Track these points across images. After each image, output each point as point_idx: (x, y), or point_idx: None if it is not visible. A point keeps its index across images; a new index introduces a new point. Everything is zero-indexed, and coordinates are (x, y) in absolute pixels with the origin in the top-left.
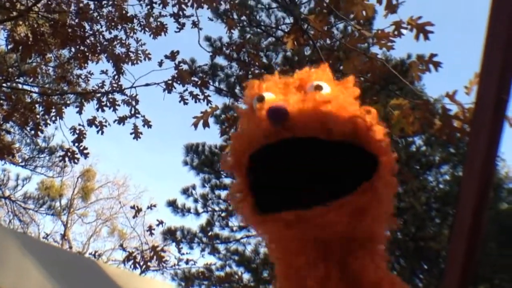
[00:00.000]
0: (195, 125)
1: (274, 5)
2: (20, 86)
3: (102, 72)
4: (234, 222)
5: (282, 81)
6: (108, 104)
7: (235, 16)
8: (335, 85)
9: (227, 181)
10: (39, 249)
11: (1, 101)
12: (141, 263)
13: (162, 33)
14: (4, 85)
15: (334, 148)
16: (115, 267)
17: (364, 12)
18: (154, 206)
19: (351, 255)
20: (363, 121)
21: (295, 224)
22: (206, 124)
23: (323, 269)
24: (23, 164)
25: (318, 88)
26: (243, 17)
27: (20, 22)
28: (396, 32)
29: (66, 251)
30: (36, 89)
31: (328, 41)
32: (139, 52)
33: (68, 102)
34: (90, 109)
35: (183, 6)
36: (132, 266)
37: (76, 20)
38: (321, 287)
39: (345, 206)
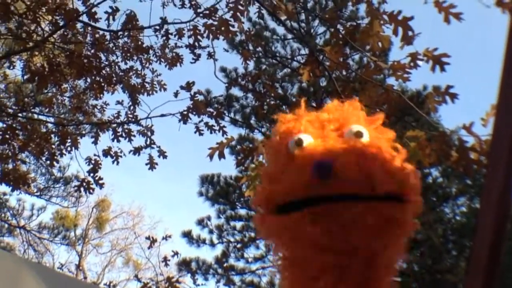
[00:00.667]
0: (211, 156)
1: (289, 36)
2: (35, 116)
3: (118, 102)
4: (249, 253)
5: (317, 119)
6: (123, 134)
7: (251, 47)
8: (368, 124)
9: (242, 212)
10: (54, 279)
11: (17, 131)
12: None
13: (178, 64)
14: (20, 115)
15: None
16: None
17: (380, 44)
18: (169, 237)
19: (371, 281)
20: (408, 179)
21: (320, 219)
22: (221, 155)
23: None
24: (38, 194)
25: (359, 135)
26: (259, 48)
27: (36, 53)
28: (412, 64)
29: (81, 281)
30: (52, 119)
31: (344, 72)
32: (155, 82)
33: (83, 132)
34: (105, 139)
35: (198, 37)
36: None
37: (92, 51)
38: None
39: (376, 209)
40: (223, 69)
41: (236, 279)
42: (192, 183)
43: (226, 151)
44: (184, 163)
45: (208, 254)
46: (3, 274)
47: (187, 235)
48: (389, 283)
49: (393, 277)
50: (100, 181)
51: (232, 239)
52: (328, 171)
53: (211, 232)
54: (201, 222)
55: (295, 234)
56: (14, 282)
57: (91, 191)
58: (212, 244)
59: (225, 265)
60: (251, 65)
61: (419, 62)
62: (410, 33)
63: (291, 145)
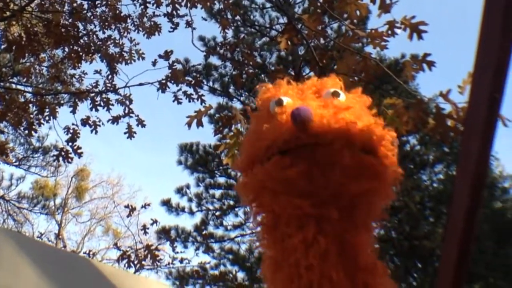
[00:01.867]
0: (189, 124)
1: (268, 5)
2: (13, 86)
3: (96, 72)
4: (228, 221)
5: (297, 87)
6: (101, 103)
7: (229, 16)
8: (345, 91)
9: (221, 180)
10: (33, 248)
11: None
12: (135, 262)
13: (156, 33)
14: None
15: None
16: (110, 266)
17: (358, 12)
18: (148, 205)
19: (349, 233)
20: (379, 134)
21: (301, 160)
22: (199, 124)
23: (323, 244)
24: (17, 164)
25: (335, 94)
26: (237, 17)
27: (14, 22)
28: (389, 32)
29: (60, 250)
30: (30, 89)
31: (322, 41)
32: (133, 52)
33: (62, 102)
34: (84, 108)
35: (176, 5)
36: (126, 265)
37: (70, 20)
38: (322, 263)
39: (354, 150)
40: (201, 38)
41: (215, 246)
42: (170, 153)
43: (205, 119)
44: (162, 133)
45: (187, 222)
46: None
47: (166, 203)
48: (368, 241)
49: (371, 235)
50: (79, 151)
51: (211, 207)
52: (308, 118)
53: (190, 200)
54: (180, 191)
55: (276, 180)
56: None
57: (69, 160)
58: (191, 212)
59: (204, 233)
60: (229, 34)
61: (397, 30)
62: (387, 0)
63: (271, 106)
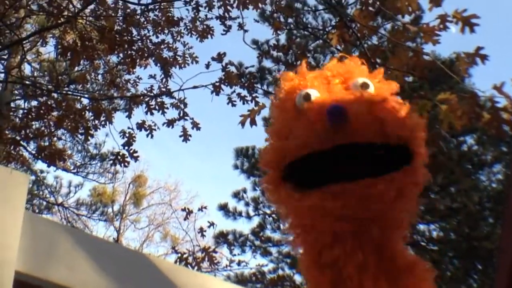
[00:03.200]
0: (242, 123)
1: (320, 7)
2: (70, 93)
3: (151, 76)
4: (285, 225)
5: (321, 75)
6: (156, 107)
7: (282, 19)
8: (371, 77)
9: None
10: (90, 243)
11: (52, 108)
12: (193, 265)
13: (209, 36)
14: (54, 92)
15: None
16: (167, 261)
17: (409, 8)
18: (205, 208)
19: (386, 240)
20: (417, 126)
21: (340, 196)
22: (253, 122)
23: (361, 257)
24: (75, 171)
25: (365, 86)
26: (290, 20)
27: (68, 29)
28: (441, 26)
29: (118, 245)
30: (86, 95)
31: (374, 40)
32: (187, 55)
33: (117, 107)
34: (139, 113)
35: (228, 7)
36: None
37: (123, 26)
38: (360, 276)
39: (393, 181)
40: (254, 42)
41: (273, 250)
42: (224, 158)
43: (260, 123)
44: (216, 138)
45: (244, 227)
46: (40, 237)
47: (223, 208)
48: (403, 240)
49: (405, 233)
50: (135, 154)
51: (268, 211)
52: (343, 115)
53: (247, 204)
54: (237, 195)
55: (313, 209)
56: (51, 246)
57: (126, 164)
58: (249, 217)
59: (261, 236)
60: (282, 37)
61: (449, 24)
62: None
63: (298, 100)
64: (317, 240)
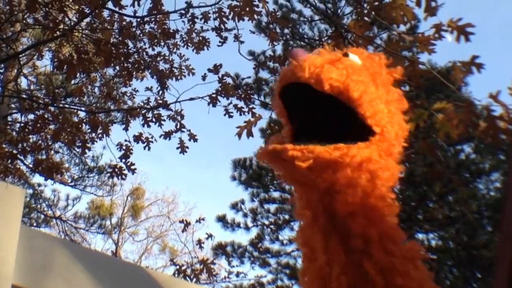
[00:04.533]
0: (239, 134)
1: (316, 17)
2: (66, 106)
3: (147, 88)
4: (284, 235)
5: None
6: (153, 119)
7: (278, 30)
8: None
9: (275, 194)
10: (87, 257)
11: (48, 121)
12: (192, 277)
13: (205, 48)
14: (51, 105)
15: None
16: (168, 275)
17: (405, 18)
18: (203, 219)
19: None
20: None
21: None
22: (249, 134)
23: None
24: (72, 184)
25: (346, 55)
26: (286, 30)
27: (64, 43)
28: (437, 35)
29: (115, 258)
30: (83, 109)
31: (370, 50)
32: (183, 67)
33: (114, 119)
34: (136, 125)
35: (224, 19)
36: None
37: (119, 38)
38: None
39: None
40: (251, 53)
41: (272, 261)
42: (223, 169)
43: (257, 134)
44: (212, 150)
45: (243, 238)
46: (36, 251)
47: (221, 219)
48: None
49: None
50: (132, 167)
51: (266, 222)
52: (300, 56)
53: (245, 215)
54: (235, 206)
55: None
56: (47, 260)
57: (123, 176)
58: (247, 228)
59: (260, 248)
60: (278, 47)
61: (444, 34)
62: (433, 3)
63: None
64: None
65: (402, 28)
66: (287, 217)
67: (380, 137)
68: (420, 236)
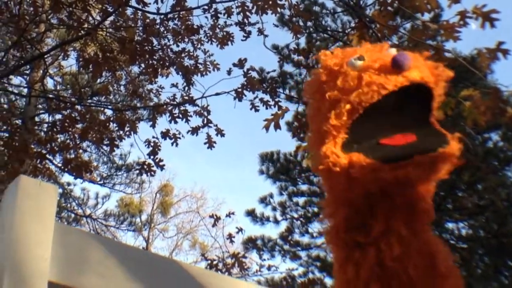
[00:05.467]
0: (266, 127)
1: (339, 9)
2: (93, 104)
3: (173, 85)
4: (313, 228)
5: (359, 49)
6: (180, 115)
7: (301, 23)
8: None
9: (304, 187)
10: (121, 251)
11: (76, 120)
12: (223, 271)
13: (229, 43)
14: (78, 105)
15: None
16: (200, 268)
17: (429, 6)
18: (233, 213)
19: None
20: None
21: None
22: (277, 126)
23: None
24: (101, 182)
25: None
26: (309, 23)
27: (89, 42)
28: (461, 22)
29: (149, 252)
30: (109, 106)
31: (394, 39)
32: (208, 63)
33: (141, 117)
34: (163, 122)
35: (247, 13)
36: None
37: (144, 36)
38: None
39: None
40: (275, 47)
41: (302, 254)
42: (249, 164)
43: (284, 127)
44: (240, 146)
45: (272, 232)
46: (70, 247)
47: (250, 213)
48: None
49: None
50: (161, 163)
51: (295, 215)
52: (408, 60)
53: (274, 209)
54: (263, 200)
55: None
56: (82, 255)
57: (152, 173)
58: (276, 221)
59: (290, 241)
60: (302, 40)
61: (470, 21)
62: None
63: (352, 63)
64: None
65: (426, 16)
66: (315, 209)
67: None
68: (450, 225)
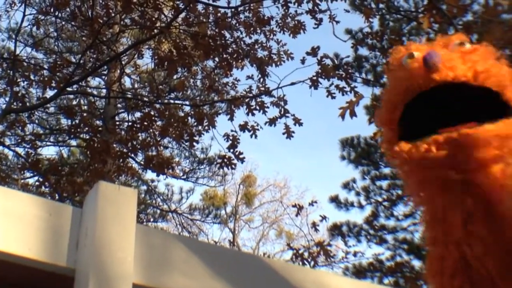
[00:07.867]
0: (342, 115)
1: None
2: (171, 101)
3: (248, 77)
4: (398, 211)
5: (426, 44)
6: (257, 107)
7: (373, 5)
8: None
9: (386, 170)
10: (205, 250)
11: (155, 118)
12: (309, 259)
13: (301, 31)
14: (156, 103)
15: (480, 93)
16: (282, 261)
17: None
18: (315, 202)
19: (493, 191)
20: (506, 78)
21: (444, 146)
22: (352, 114)
23: (471, 204)
24: (184, 177)
25: (461, 44)
26: (381, 5)
27: (163, 39)
28: None
29: (231, 249)
30: (187, 103)
31: (466, 18)
32: (281, 53)
33: (218, 111)
34: (240, 115)
35: (317, 1)
36: (300, 264)
37: (216, 30)
38: (469, 221)
39: (492, 130)
40: (348, 31)
41: (389, 237)
42: (330, 151)
43: (362, 112)
44: (318, 133)
45: (357, 217)
46: (153, 248)
47: (334, 200)
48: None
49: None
50: (241, 156)
51: (379, 199)
52: (437, 57)
53: (357, 194)
54: (346, 186)
55: (421, 160)
56: (164, 256)
57: (233, 166)
58: (361, 206)
59: (375, 225)
60: (375, 23)
61: None
62: None
63: (404, 60)
64: (429, 191)
65: None
66: (400, 192)
67: None
68: None
